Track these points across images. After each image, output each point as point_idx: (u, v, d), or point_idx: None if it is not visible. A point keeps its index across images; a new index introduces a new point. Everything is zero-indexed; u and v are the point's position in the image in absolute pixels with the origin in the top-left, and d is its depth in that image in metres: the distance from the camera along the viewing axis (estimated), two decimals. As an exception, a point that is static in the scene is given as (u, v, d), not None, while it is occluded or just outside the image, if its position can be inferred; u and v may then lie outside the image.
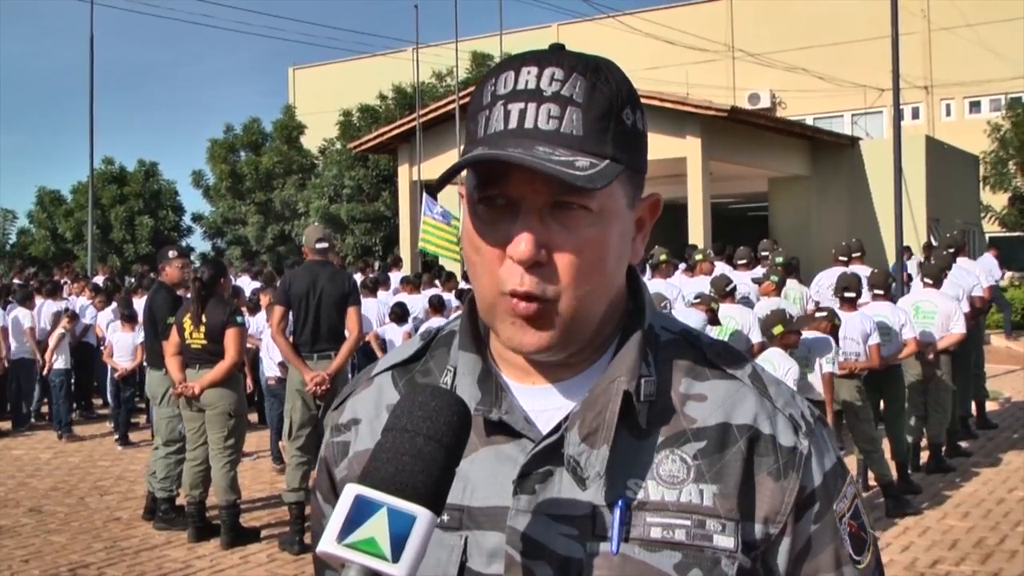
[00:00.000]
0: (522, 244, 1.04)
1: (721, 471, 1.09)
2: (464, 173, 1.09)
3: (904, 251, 16.97)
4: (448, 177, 1.07)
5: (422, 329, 1.44)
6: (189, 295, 7.35)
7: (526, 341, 1.08)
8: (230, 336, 6.95)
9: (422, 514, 0.93)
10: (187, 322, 7.05)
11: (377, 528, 0.91)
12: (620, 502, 1.08)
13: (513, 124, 1.06)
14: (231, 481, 7.00)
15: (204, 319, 6.98)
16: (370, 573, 0.91)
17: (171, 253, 7.94)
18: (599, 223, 1.07)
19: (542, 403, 1.14)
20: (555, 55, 1.09)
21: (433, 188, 1.12)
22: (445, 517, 1.10)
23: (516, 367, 1.16)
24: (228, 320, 6.97)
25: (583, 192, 1.04)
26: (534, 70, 1.07)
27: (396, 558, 0.91)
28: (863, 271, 9.80)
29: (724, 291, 8.70)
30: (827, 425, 1.19)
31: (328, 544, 0.92)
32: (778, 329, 7.01)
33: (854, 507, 1.16)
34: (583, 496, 1.08)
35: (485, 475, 1.11)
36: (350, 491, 0.94)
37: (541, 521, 1.08)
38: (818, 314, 7.51)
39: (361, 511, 0.92)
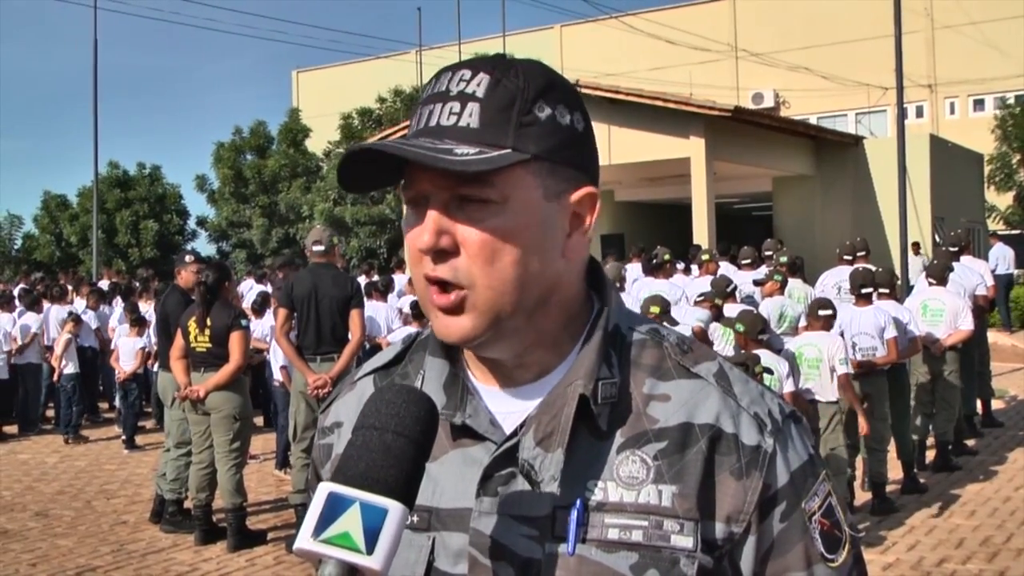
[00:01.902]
0: (424, 234, 1.09)
1: (681, 471, 1.10)
2: None
3: (914, 246, 16.97)
4: (346, 177, 1.13)
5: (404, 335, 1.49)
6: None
7: (449, 330, 1.11)
8: (234, 340, 6.96)
9: (393, 507, 0.96)
10: (192, 325, 7.07)
11: (351, 523, 0.95)
12: (577, 503, 1.09)
13: (422, 124, 1.12)
14: (237, 484, 7.01)
15: (209, 323, 7.00)
16: (347, 566, 0.94)
17: (188, 258, 8.11)
18: (503, 213, 1.09)
19: (508, 406, 1.16)
20: (475, 60, 1.14)
21: (342, 186, 1.15)
22: (415, 518, 1.13)
23: (483, 370, 1.19)
24: (232, 324, 6.99)
25: (480, 183, 1.07)
26: (449, 75, 1.13)
27: (370, 550, 0.94)
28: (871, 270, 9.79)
29: (725, 292, 8.70)
30: (801, 422, 1.18)
31: (304, 541, 0.95)
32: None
33: (827, 504, 1.15)
34: (544, 498, 1.09)
35: (452, 477, 1.14)
36: (323, 489, 0.97)
37: (503, 522, 1.10)
38: (820, 311, 7.47)
39: (334, 507, 0.96)
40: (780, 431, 1.14)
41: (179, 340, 7.21)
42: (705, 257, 11.50)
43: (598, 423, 1.11)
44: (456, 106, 1.10)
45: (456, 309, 1.10)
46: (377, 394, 1.04)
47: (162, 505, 7.65)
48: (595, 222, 1.18)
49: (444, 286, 1.10)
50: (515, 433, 1.12)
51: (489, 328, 1.10)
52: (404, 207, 1.15)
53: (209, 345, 7.02)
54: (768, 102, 33.86)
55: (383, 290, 12.65)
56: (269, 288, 13.68)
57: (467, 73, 1.11)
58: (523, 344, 1.14)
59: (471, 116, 1.09)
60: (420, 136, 1.11)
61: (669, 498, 1.09)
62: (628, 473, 1.10)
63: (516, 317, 1.11)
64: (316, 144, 32.49)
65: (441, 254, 1.09)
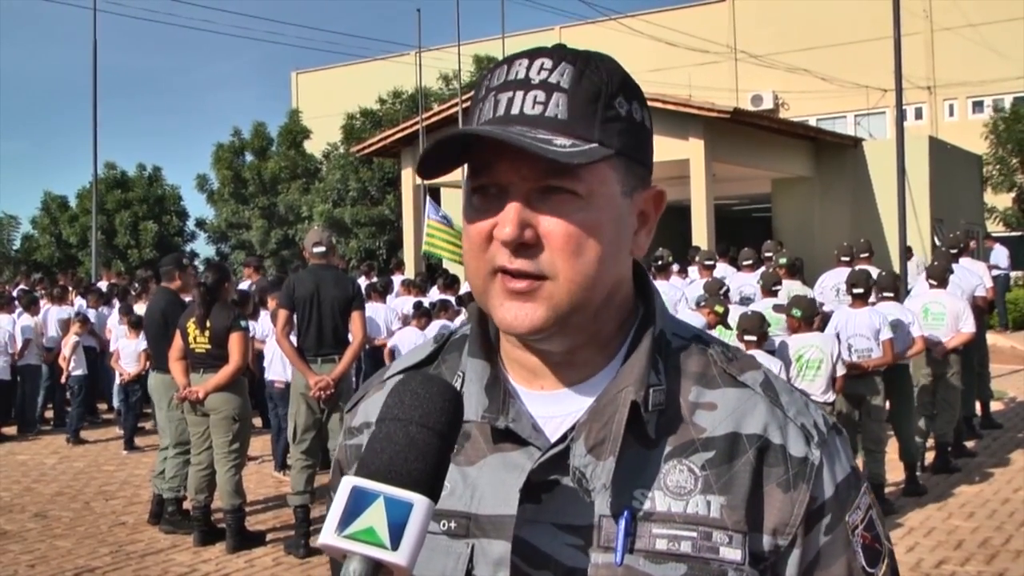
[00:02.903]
0: (507, 225, 1.05)
1: (729, 482, 1.08)
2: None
3: (907, 251, 16.97)
4: (428, 159, 1.09)
5: (436, 332, 1.46)
6: (189, 299, 7.39)
7: (519, 319, 1.08)
8: (234, 340, 6.97)
9: (419, 501, 0.94)
10: (191, 326, 7.08)
11: (375, 517, 0.92)
12: (625, 513, 1.06)
13: (501, 112, 1.08)
14: (236, 485, 7.01)
15: (209, 324, 7.00)
16: (371, 562, 0.92)
17: (185, 261, 8.27)
18: (588, 208, 1.07)
19: (551, 409, 1.13)
20: (549, 49, 1.11)
21: (418, 172, 1.13)
22: (452, 524, 1.10)
23: (525, 370, 1.16)
24: (232, 325, 6.99)
25: (569, 175, 1.05)
26: (525, 62, 1.10)
27: (395, 546, 0.92)
28: (871, 272, 9.79)
29: (718, 296, 8.71)
30: (842, 433, 1.17)
31: (328, 536, 0.93)
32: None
33: (868, 518, 1.14)
34: (589, 506, 1.07)
35: (492, 483, 1.11)
36: (347, 483, 0.94)
37: (546, 531, 1.08)
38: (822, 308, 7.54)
39: (358, 502, 0.93)
40: (826, 443, 1.12)
41: (178, 341, 7.21)
42: (697, 259, 11.56)
43: (647, 431, 1.09)
44: (541, 95, 1.07)
45: (530, 296, 1.07)
46: (400, 384, 1.00)
47: (160, 506, 7.65)
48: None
49: (518, 276, 1.07)
50: (562, 439, 1.09)
51: (560, 321, 1.08)
52: (468, 195, 1.11)
53: (208, 346, 7.02)
54: (767, 104, 33.87)
55: (382, 291, 12.64)
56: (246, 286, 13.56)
57: (548, 62, 1.09)
58: (579, 342, 1.12)
59: (559, 107, 1.07)
60: (502, 124, 1.07)
61: (718, 509, 1.07)
62: (676, 483, 1.08)
63: (585, 312, 1.10)
64: (314, 145, 32.48)
65: (522, 247, 1.06)
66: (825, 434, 1.13)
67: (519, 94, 1.08)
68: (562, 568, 1.07)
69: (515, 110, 1.07)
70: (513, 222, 1.05)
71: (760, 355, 6.76)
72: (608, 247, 1.09)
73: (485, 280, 1.09)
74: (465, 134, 1.05)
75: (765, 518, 1.08)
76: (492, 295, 1.09)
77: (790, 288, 9.84)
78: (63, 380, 12.26)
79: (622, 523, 1.06)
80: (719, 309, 8.16)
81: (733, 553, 1.06)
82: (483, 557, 1.10)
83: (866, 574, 1.12)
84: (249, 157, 32.75)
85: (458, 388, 1.15)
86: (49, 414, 13.26)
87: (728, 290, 9.12)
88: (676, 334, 1.18)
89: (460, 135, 1.05)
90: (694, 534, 1.06)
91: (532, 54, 1.10)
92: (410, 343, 10.12)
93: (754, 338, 6.96)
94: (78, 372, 12.04)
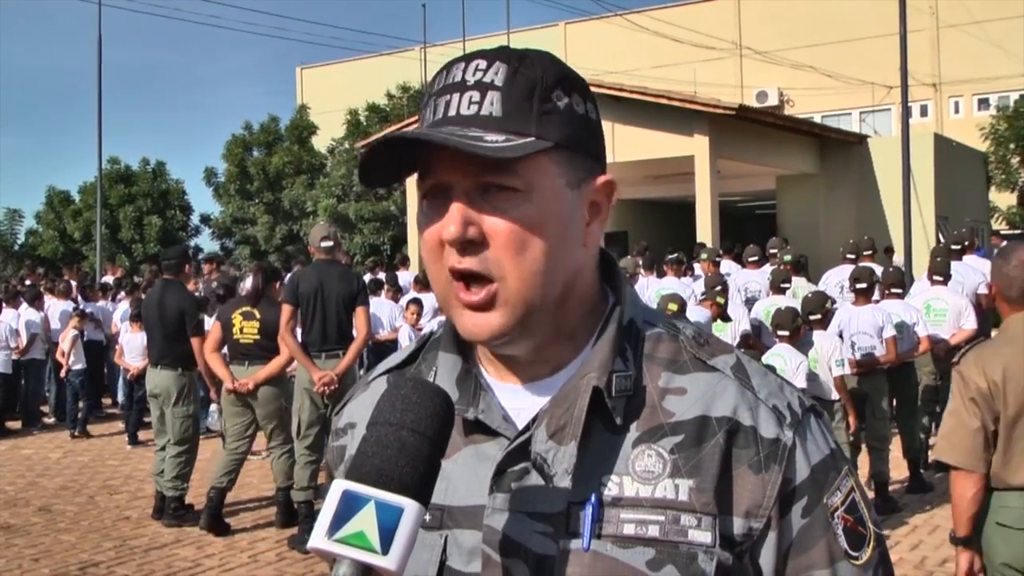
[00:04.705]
0: (451, 224, 1.07)
1: (698, 465, 1.07)
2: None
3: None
4: (366, 165, 1.11)
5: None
6: (215, 292, 7.47)
7: (478, 328, 1.09)
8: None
9: (409, 506, 0.94)
10: (237, 317, 7.33)
11: (366, 522, 0.93)
12: (592, 498, 1.07)
13: (440, 115, 1.10)
14: (290, 468, 7.26)
15: (258, 315, 7.27)
16: (361, 567, 0.92)
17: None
18: (530, 202, 1.07)
19: (522, 401, 1.14)
20: (486, 51, 1.12)
21: (361, 180, 1.14)
22: (427, 516, 1.10)
23: (497, 366, 1.17)
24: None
25: (506, 171, 1.06)
26: (462, 65, 1.11)
27: (386, 550, 0.92)
28: (876, 269, 9.78)
29: (716, 290, 8.70)
30: (822, 416, 1.16)
31: (318, 540, 0.93)
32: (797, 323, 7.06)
33: (850, 500, 1.13)
34: (558, 493, 1.08)
35: (465, 474, 1.12)
36: (338, 486, 0.95)
37: (517, 519, 1.08)
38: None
39: (349, 506, 0.94)
40: (800, 424, 1.11)
41: (216, 333, 7.44)
42: (703, 256, 11.51)
43: (613, 416, 1.09)
44: (476, 95, 1.08)
45: (486, 305, 1.08)
46: (392, 388, 1.01)
47: (163, 501, 7.66)
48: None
49: (470, 281, 1.08)
50: (528, 427, 1.10)
51: (518, 323, 1.09)
52: (419, 202, 1.13)
53: (257, 337, 7.26)
54: (772, 100, 33.81)
55: (395, 288, 12.69)
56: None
57: (482, 63, 1.10)
58: (544, 339, 1.13)
59: (493, 104, 1.08)
60: (441, 126, 1.09)
61: (686, 492, 1.07)
62: (644, 467, 1.08)
63: (543, 310, 1.10)
64: (319, 140, 32.48)
65: (468, 245, 1.07)
66: (799, 415, 1.12)
67: (455, 96, 1.09)
68: (532, 555, 1.07)
69: (452, 112, 1.09)
70: (457, 221, 1.06)
71: (785, 348, 6.79)
72: (554, 241, 1.09)
73: (444, 288, 1.11)
74: (394, 138, 1.07)
75: (736, 500, 1.07)
76: (452, 304, 1.11)
77: (796, 285, 9.84)
78: (62, 375, 12.27)
79: (588, 508, 1.06)
80: (720, 300, 8.35)
81: (702, 536, 1.06)
82: (456, 548, 1.11)
83: (848, 558, 1.10)
84: (256, 152, 32.74)
85: (431, 381, 1.16)
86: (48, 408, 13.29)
87: (725, 284, 9.12)
88: (647, 321, 1.18)
89: (388, 139, 1.07)
90: (662, 518, 1.06)
91: (469, 57, 1.12)
92: (409, 339, 10.16)
93: (786, 333, 6.97)
94: (78, 367, 12.05)
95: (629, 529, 1.06)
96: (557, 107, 1.10)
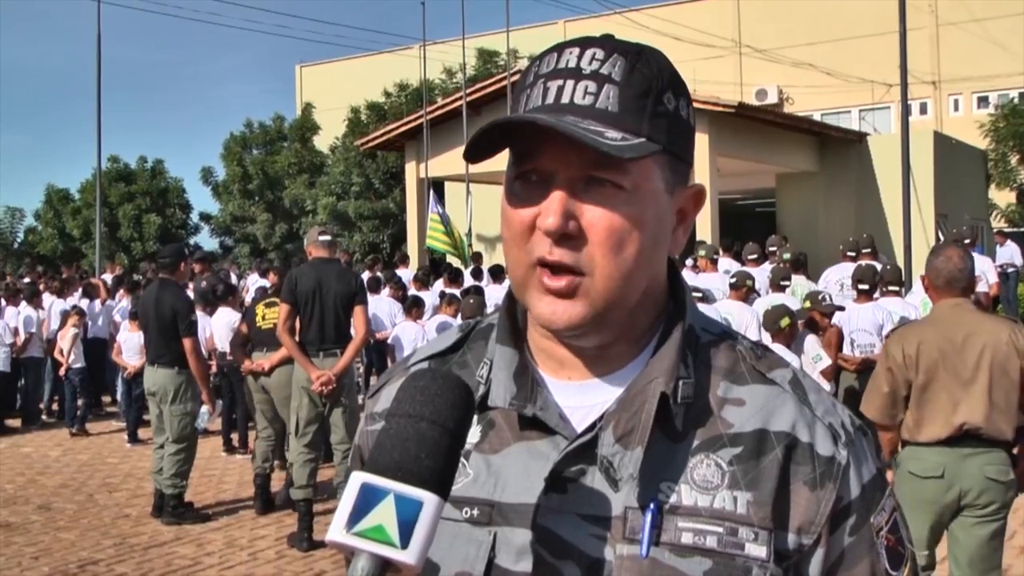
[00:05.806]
0: (551, 215, 1.04)
1: (756, 478, 1.07)
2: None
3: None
4: (477, 143, 1.07)
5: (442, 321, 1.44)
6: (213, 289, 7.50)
7: (557, 316, 1.07)
8: None
9: (429, 499, 0.93)
10: (260, 308, 7.85)
11: (385, 515, 0.92)
12: (652, 505, 1.06)
13: (551, 99, 1.07)
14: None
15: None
16: (380, 560, 0.91)
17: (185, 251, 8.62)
18: (632, 202, 1.06)
19: (577, 399, 1.13)
20: (600, 39, 1.11)
21: (465, 156, 1.11)
22: (475, 512, 1.10)
23: (553, 360, 1.15)
24: None
25: (615, 168, 1.04)
26: (576, 51, 1.09)
27: (405, 544, 0.91)
28: (876, 267, 9.77)
29: (745, 286, 8.61)
30: (868, 435, 1.16)
31: (336, 533, 0.92)
32: (785, 322, 7.03)
33: (892, 520, 1.13)
34: (614, 497, 1.07)
35: (517, 471, 1.10)
36: (356, 479, 0.93)
37: (570, 520, 1.07)
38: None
39: (368, 499, 0.92)
40: (853, 443, 1.12)
41: (242, 328, 7.97)
42: (701, 254, 11.50)
43: (675, 424, 1.09)
44: (592, 86, 1.06)
45: (569, 294, 1.06)
46: (411, 380, 0.99)
47: (162, 499, 7.66)
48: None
49: (556, 270, 1.06)
50: (590, 428, 1.09)
51: (597, 317, 1.07)
52: (510, 181, 1.10)
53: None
54: (772, 98, 33.80)
55: (398, 285, 12.68)
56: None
57: (599, 52, 1.08)
58: (613, 337, 1.12)
59: (610, 99, 1.06)
60: (553, 112, 1.06)
61: (744, 505, 1.06)
62: (703, 477, 1.07)
63: (621, 309, 1.09)
64: (319, 139, 32.46)
65: (564, 238, 1.05)
66: (852, 434, 1.13)
67: (570, 83, 1.07)
68: (585, 558, 1.06)
69: (565, 99, 1.06)
70: (557, 212, 1.04)
71: (780, 349, 6.78)
72: (648, 243, 1.08)
73: (525, 272, 1.08)
74: (519, 121, 1.04)
75: (791, 516, 1.08)
76: (531, 289, 1.09)
77: (795, 283, 9.84)
78: (61, 373, 12.27)
79: (648, 515, 1.05)
80: (749, 283, 8.54)
81: (759, 550, 1.05)
82: (505, 545, 1.09)
83: None
84: (255, 151, 32.73)
85: (485, 375, 1.15)
86: (54, 406, 13.28)
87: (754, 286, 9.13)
88: (705, 329, 1.17)
89: (518, 121, 1.04)
90: (720, 529, 1.06)
91: (583, 43, 1.10)
92: (409, 337, 10.13)
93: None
94: (78, 365, 12.05)
95: (687, 538, 1.06)
96: (668, 109, 1.09)
